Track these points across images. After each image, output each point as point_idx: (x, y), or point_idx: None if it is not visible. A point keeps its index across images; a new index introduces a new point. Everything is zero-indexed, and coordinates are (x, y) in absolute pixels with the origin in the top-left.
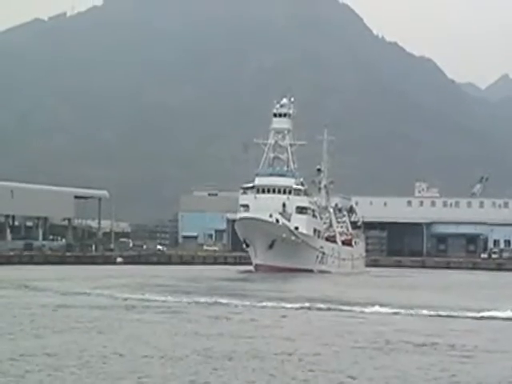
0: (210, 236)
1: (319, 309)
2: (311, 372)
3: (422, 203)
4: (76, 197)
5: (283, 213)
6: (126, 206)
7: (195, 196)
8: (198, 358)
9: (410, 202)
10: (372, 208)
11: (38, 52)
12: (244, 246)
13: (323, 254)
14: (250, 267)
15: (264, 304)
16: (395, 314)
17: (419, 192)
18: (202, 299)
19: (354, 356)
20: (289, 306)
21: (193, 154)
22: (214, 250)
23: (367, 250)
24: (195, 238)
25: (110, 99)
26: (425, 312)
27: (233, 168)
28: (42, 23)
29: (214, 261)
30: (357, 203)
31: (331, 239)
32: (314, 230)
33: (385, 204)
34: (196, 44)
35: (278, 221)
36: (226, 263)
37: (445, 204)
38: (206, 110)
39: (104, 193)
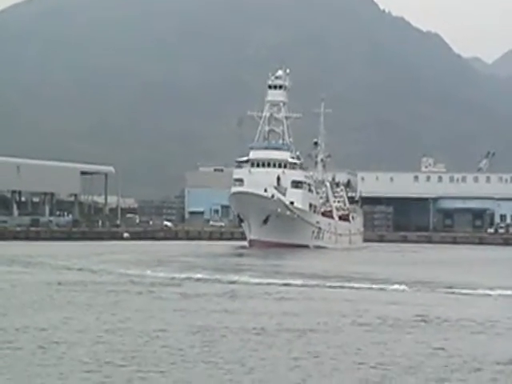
0: (217, 212)
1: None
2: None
3: (428, 178)
4: (82, 172)
5: (278, 187)
6: (132, 182)
7: (201, 172)
8: (205, 334)
9: (416, 178)
10: (378, 183)
11: (41, 28)
12: (238, 221)
13: (319, 229)
14: (245, 243)
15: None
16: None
17: (426, 167)
18: (203, 275)
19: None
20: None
21: (197, 131)
22: (221, 226)
23: (374, 226)
24: (202, 213)
25: (113, 76)
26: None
27: (238, 144)
28: None
29: (220, 236)
30: (363, 178)
31: (328, 214)
32: (310, 205)
33: (391, 179)
34: (198, 20)
35: (272, 195)
36: (232, 239)
37: (451, 179)
38: (209, 86)
39: (110, 169)
